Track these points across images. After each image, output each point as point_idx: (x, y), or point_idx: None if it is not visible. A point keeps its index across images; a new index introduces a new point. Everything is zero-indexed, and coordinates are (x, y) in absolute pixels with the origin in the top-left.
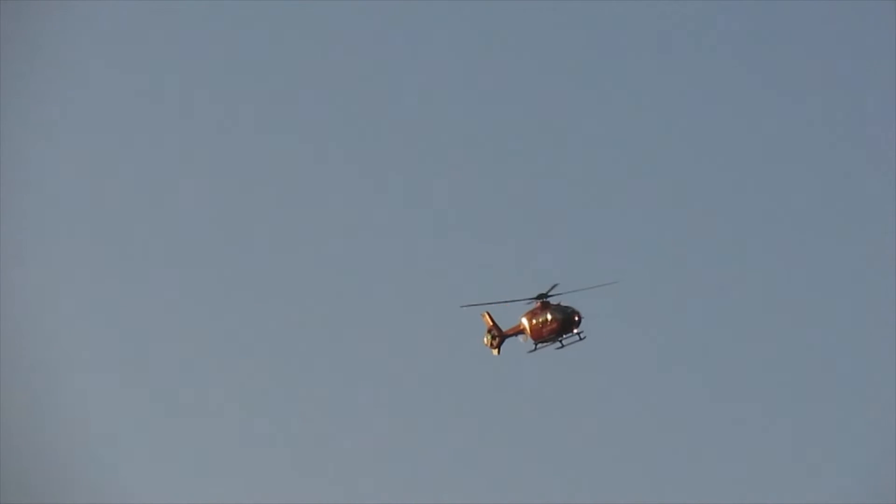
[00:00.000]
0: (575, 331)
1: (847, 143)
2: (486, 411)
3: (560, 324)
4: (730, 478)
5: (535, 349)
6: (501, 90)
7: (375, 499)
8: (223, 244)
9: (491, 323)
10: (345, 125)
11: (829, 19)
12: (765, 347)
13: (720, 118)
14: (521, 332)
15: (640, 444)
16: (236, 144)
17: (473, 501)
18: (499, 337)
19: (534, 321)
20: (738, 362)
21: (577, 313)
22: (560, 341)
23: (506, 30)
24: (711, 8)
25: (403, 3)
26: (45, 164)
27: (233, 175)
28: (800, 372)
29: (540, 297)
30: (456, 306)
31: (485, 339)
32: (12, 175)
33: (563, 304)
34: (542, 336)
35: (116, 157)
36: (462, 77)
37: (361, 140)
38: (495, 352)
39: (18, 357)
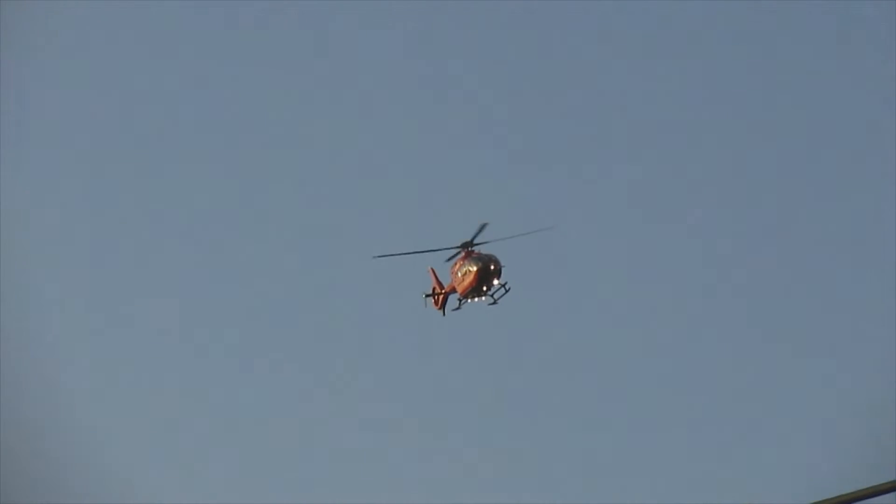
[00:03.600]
0: (496, 282)
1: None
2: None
3: (477, 274)
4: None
5: (459, 307)
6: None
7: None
8: (222, 243)
9: (435, 280)
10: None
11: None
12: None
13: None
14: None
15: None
16: (237, 143)
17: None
18: (441, 295)
19: (458, 274)
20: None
21: (494, 261)
22: (492, 296)
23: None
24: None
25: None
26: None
27: (233, 174)
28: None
29: (465, 245)
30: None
31: (428, 299)
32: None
33: (485, 252)
34: (465, 290)
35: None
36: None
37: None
38: (441, 312)
39: (17, 357)
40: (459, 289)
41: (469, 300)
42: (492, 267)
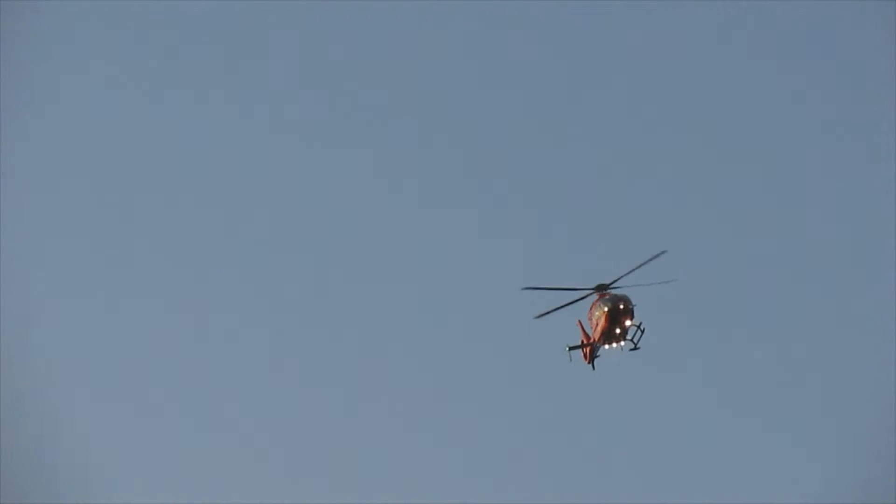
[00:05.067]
0: (628, 323)
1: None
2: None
3: (608, 316)
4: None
5: (598, 354)
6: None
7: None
8: (222, 245)
9: (583, 333)
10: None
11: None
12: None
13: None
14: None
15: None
16: (238, 144)
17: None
18: (589, 347)
19: (592, 319)
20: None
21: (624, 300)
22: (631, 340)
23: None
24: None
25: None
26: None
27: (235, 177)
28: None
29: (599, 287)
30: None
31: (573, 353)
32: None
33: (617, 293)
34: (601, 335)
35: (115, 159)
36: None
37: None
38: (591, 366)
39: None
40: (596, 335)
41: (607, 346)
42: (621, 306)
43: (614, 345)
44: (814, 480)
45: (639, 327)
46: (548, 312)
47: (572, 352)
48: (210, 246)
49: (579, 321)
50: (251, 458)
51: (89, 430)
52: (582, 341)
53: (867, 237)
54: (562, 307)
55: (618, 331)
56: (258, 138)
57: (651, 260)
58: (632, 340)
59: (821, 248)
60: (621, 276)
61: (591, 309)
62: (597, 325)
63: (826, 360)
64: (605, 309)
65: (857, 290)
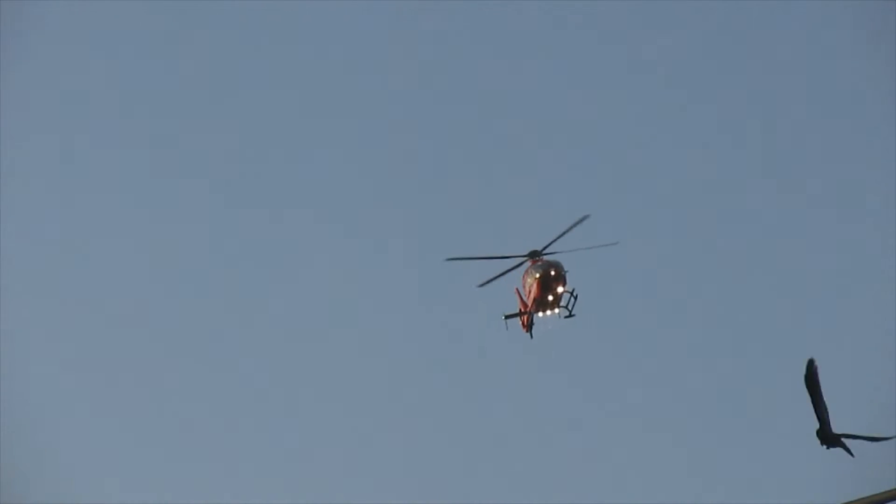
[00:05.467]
0: (560, 289)
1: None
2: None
3: (539, 283)
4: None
5: (533, 326)
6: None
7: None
8: (222, 245)
9: (521, 301)
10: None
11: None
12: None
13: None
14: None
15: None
16: (237, 145)
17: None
18: (526, 315)
19: (525, 287)
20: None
21: (556, 266)
22: (566, 307)
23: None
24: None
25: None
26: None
27: (234, 178)
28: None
29: (532, 254)
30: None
31: (509, 321)
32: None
33: (550, 259)
34: (534, 303)
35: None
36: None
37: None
38: (528, 334)
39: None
40: (529, 302)
41: (542, 314)
42: (552, 273)
43: (548, 312)
44: (811, 480)
45: (572, 293)
46: (489, 281)
47: (509, 320)
48: (203, 247)
49: (517, 289)
50: (249, 457)
51: (84, 430)
52: (520, 309)
53: (866, 238)
54: (501, 275)
55: (550, 298)
56: (257, 138)
57: (575, 225)
58: (566, 307)
59: (819, 247)
60: (550, 242)
61: (524, 276)
62: (529, 292)
63: (825, 359)
64: (537, 276)
65: (856, 289)
